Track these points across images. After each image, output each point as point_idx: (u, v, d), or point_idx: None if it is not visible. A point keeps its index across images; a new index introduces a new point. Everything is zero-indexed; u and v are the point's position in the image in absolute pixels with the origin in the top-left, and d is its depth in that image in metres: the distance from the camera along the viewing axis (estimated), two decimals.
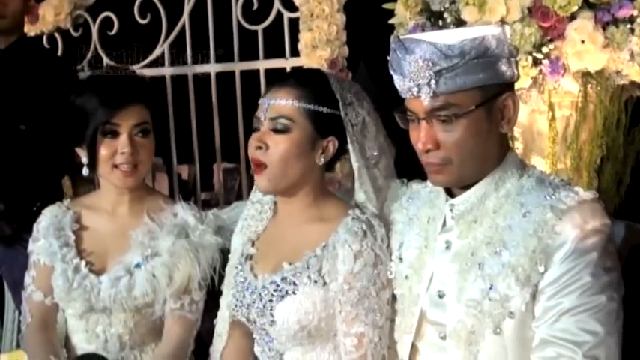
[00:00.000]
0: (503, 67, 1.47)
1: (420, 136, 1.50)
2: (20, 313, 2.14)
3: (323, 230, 1.69)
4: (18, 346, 2.08)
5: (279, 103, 1.68)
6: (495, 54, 1.45)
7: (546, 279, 1.44)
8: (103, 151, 1.88)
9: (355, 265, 1.62)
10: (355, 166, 1.71)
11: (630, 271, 1.83)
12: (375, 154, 1.75)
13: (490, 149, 1.52)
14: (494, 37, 1.46)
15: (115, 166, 1.89)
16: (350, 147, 1.71)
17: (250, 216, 1.85)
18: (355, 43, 3.28)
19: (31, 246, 2.00)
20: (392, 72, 1.52)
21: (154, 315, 1.92)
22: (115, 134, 1.87)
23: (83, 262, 1.92)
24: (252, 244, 1.82)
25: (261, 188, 1.74)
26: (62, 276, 1.90)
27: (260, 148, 1.69)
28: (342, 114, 1.69)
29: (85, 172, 1.91)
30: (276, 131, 1.68)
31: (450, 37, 1.45)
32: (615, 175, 2.57)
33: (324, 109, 1.69)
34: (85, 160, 1.90)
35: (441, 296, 1.55)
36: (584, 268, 1.42)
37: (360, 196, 1.74)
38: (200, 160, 3.76)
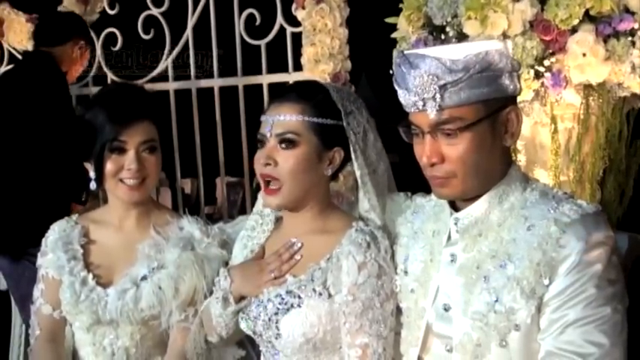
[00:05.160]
0: (507, 81, 1.49)
1: (424, 150, 1.51)
2: (27, 327, 2.15)
3: (327, 242, 1.70)
4: (26, 359, 2.09)
5: (285, 119, 1.69)
6: (499, 68, 1.47)
7: (551, 291, 1.44)
8: (110, 167, 1.88)
9: (359, 277, 1.62)
10: (358, 173, 1.72)
11: (635, 282, 1.84)
12: (374, 160, 1.76)
13: (494, 163, 1.53)
14: (497, 52, 1.48)
15: (121, 181, 1.90)
16: (353, 155, 1.72)
17: (250, 227, 1.87)
18: (358, 56, 3.30)
19: (40, 260, 2.01)
20: (396, 86, 1.54)
21: (160, 327, 1.92)
22: (122, 151, 1.88)
23: (90, 275, 1.93)
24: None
25: (272, 206, 1.75)
26: (69, 289, 1.91)
27: (269, 164, 1.70)
28: (345, 123, 1.71)
29: (93, 186, 1.92)
30: (284, 147, 1.69)
31: (453, 52, 1.47)
32: (618, 186, 2.58)
33: (328, 121, 1.70)
34: (92, 174, 1.91)
35: (446, 309, 1.55)
36: (588, 280, 1.42)
37: (363, 205, 1.74)
38: (203, 174, 3.77)
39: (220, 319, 1.77)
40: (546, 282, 1.44)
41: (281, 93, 1.78)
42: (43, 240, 2.01)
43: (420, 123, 1.51)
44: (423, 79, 1.46)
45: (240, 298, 1.75)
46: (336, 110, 1.71)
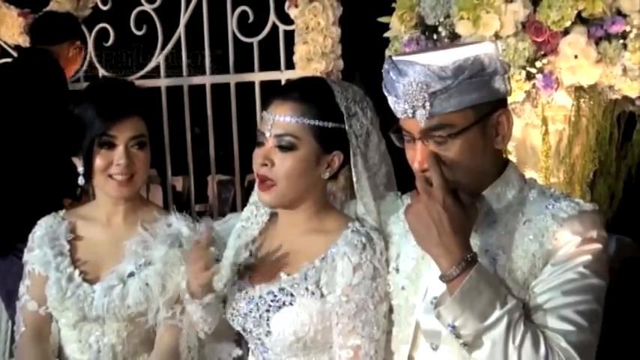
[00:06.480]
0: (496, 85, 1.48)
1: (415, 156, 1.50)
2: (14, 324, 2.14)
3: (322, 242, 1.68)
4: (11, 356, 2.07)
5: (285, 120, 1.65)
6: (488, 72, 1.46)
7: (537, 278, 1.46)
8: (99, 162, 1.88)
9: (354, 278, 1.62)
10: (356, 177, 1.69)
11: (623, 284, 1.84)
12: (376, 162, 1.74)
13: (486, 165, 1.53)
14: (487, 55, 1.46)
15: (110, 176, 1.89)
16: (352, 160, 1.69)
17: (245, 217, 1.84)
18: (350, 55, 3.30)
19: (26, 256, 1.99)
20: (386, 93, 1.52)
21: (147, 325, 1.91)
22: (111, 145, 1.87)
23: (77, 272, 1.92)
24: (250, 254, 1.81)
25: (265, 203, 1.73)
26: (56, 285, 1.90)
27: (265, 165, 1.67)
28: (347, 126, 1.67)
29: (81, 181, 1.91)
30: (281, 148, 1.66)
31: (442, 58, 1.45)
32: (608, 189, 2.59)
33: (329, 124, 1.66)
34: (80, 169, 1.90)
35: (433, 302, 1.54)
36: (574, 267, 1.44)
37: (359, 208, 1.73)
38: (194, 171, 3.76)
39: (194, 315, 1.75)
40: (539, 274, 1.45)
41: (284, 90, 1.74)
42: (30, 235, 2.00)
43: (410, 129, 1.50)
44: (412, 87, 1.44)
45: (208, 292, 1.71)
46: (339, 112, 1.67)
